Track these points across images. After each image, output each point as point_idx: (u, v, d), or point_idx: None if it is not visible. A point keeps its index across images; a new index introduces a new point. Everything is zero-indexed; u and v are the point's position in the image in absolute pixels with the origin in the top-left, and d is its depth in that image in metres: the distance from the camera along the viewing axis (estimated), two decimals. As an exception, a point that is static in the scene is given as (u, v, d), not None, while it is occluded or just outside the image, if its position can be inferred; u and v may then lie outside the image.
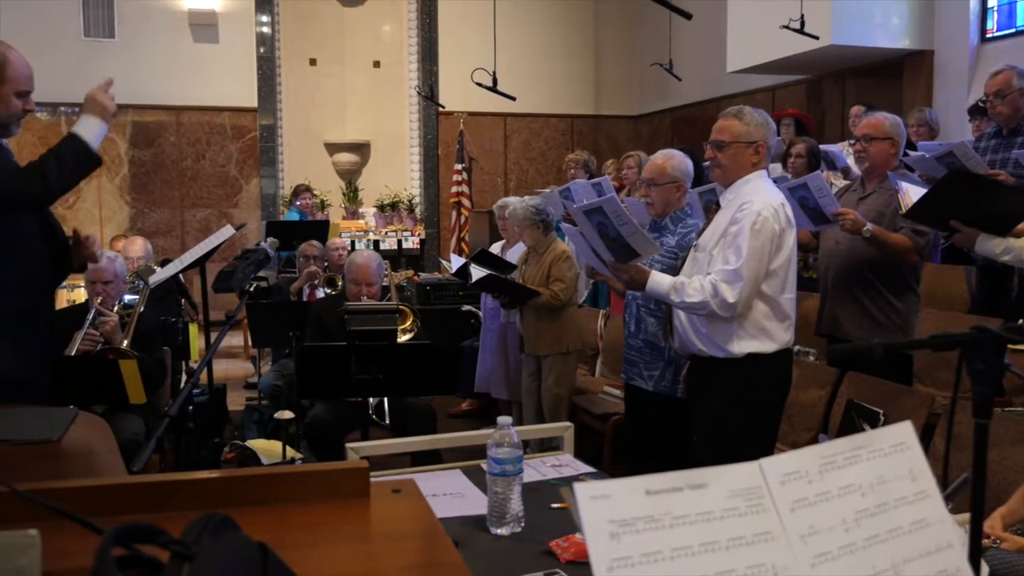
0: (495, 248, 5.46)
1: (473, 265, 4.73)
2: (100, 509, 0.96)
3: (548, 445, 3.80)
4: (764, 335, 2.88)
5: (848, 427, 3.41)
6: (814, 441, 3.64)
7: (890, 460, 0.95)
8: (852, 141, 5.39)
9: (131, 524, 0.73)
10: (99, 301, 3.92)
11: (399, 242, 10.42)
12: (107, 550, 0.68)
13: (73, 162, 2.69)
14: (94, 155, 2.72)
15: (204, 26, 9.91)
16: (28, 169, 2.64)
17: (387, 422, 4.06)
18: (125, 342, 3.82)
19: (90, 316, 3.86)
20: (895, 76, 7.41)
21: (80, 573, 0.70)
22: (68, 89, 9.40)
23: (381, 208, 10.65)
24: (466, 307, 6.28)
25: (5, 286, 2.67)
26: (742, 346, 2.87)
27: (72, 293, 6.06)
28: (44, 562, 0.74)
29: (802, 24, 6.63)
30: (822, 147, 5.90)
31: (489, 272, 4.62)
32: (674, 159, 3.57)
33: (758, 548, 0.83)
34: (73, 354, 3.64)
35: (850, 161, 5.79)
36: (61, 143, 2.72)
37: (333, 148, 10.74)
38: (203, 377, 3.76)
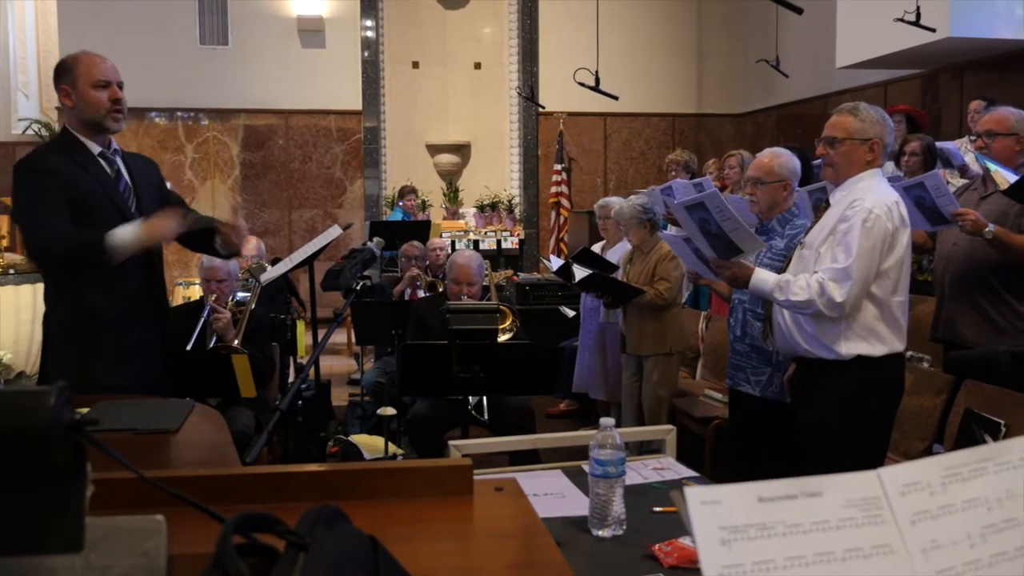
0: (595, 249, 5.43)
1: (576, 264, 4.71)
2: (216, 498, 0.99)
3: (646, 448, 3.75)
4: (873, 337, 2.77)
5: (966, 438, 3.26)
6: (928, 452, 3.49)
7: (1019, 473, 0.90)
8: (972, 137, 5.14)
9: (250, 513, 0.75)
10: (213, 298, 4.08)
11: (498, 242, 10.49)
12: (228, 538, 0.70)
13: (81, 254, 2.68)
14: (102, 259, 2.62)
15: (312, 32, 10.21)
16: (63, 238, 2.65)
17: (486, 419, 4.09)
18: (237, 338, 3.96)
19: (204, 313, 4.03)
20: (1019, 69, 7.03)
21: (201, 559, 0.73)
22: (184, 94, 9.87)
23: (481, 208, 10.75)
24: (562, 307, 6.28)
25: (95, 292, 2.73)
26: (850, 347, 2.77)
27: (188, 290, 6.35)
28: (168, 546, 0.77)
29: (917, 16, 6.35)
30: (937, 144, 5.65)
31: (593, 271, 4.59)
32: (781, 157, 3.48)
33: (876, 561, 0.80)
34: (188, 349, 3.81)
35: (968, 159, 5.53)
36: (89, 240, 2.66)
37: (434, 149, 10.90)
38: (310, 372, 3.86)
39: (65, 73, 2.77)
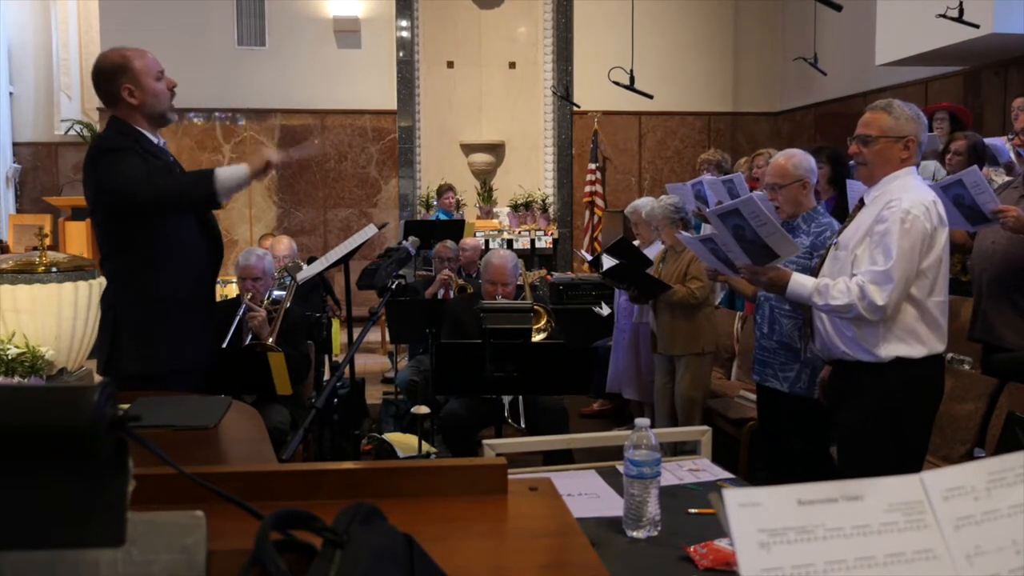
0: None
1: (606, 255, 4.67)
2: (252, 494, 0.99)
3: (680, 449, 3.73)
4: (912, 338, 2.72)
5: (1009, 442, 3.19)
6: (969, 456, 3.43)
7: (1067, 479, 0.88)
8: (1010, 136, 5.04)
9: (288, 510, 0.76)
10: (249, 297, 4.12)
11: (532, 242, 10.49)
12: (267, 534, 0.71)
13: (188, 190, 2.79)
14: (212, 194, 2.73)
15: (347, 32, 10.28)
16: (151, 182, 2.71)
17: (522, 422, 4.09)
18: (272, 336, 4.00)
19: (240, 311, 4.07)
20: (1064, 66, 6.89)
21: (239, 554, 0.73)
22: (222, 95, 9.99)
23: (515, 208, 10.75)
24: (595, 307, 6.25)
25: (163, 277, 2.82)
26: (889, 349, 2.72)
27: (224, 288, 6.40)
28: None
29: (960, 12, 6.24)
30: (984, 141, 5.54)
31: (620, 262, 4.54)
32: (795, 157, 3.47)
33: (919, 566, 0.78)
34: (224, 347, 3.85)
35: (1014, 156, 5.42)
36: (197, 172, 2.84)
37: (469, 149, 10.93)
38: (345, 371, 3.88)
39: (122, 72, 2.81)
